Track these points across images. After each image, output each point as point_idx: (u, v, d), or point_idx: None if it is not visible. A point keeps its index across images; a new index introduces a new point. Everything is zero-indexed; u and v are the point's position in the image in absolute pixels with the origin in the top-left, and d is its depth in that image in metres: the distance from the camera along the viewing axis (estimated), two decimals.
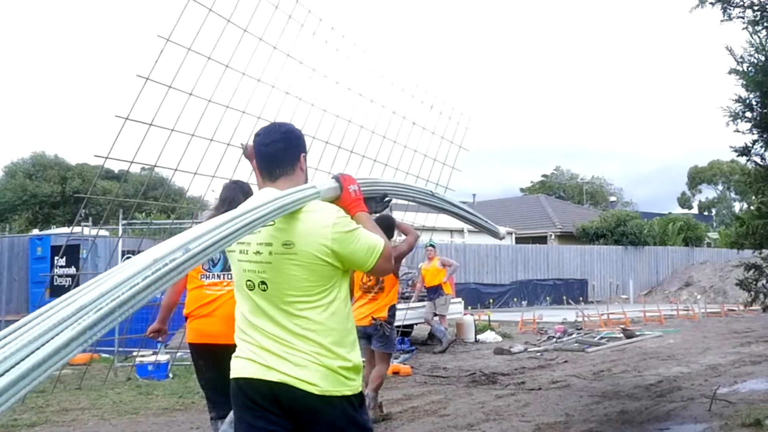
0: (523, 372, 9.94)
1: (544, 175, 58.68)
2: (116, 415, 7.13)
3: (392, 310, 6.68)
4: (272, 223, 2.45)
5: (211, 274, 4.42)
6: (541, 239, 32.81)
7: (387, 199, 3.05)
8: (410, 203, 4.14)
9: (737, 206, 59.44)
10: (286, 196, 2.42)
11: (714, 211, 60.09)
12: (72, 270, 12.04)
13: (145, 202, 22.34)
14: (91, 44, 79.29)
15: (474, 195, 42.47)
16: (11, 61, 65.20)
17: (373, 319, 6.52)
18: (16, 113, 65.25)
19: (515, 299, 24.77)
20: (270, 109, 7.41)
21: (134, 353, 10.45)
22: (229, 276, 4.30)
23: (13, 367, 1.49)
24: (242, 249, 2.54)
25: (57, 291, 12.40)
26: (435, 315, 12.69)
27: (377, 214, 3.24)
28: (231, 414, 4.44)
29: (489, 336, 13.90)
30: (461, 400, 7.87)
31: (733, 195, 59.98)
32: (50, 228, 19.97)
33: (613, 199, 52.58)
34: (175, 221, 14.11)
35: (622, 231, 30.52)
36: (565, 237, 32.83)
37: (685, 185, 62.35)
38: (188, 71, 6.71)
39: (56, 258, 12.25)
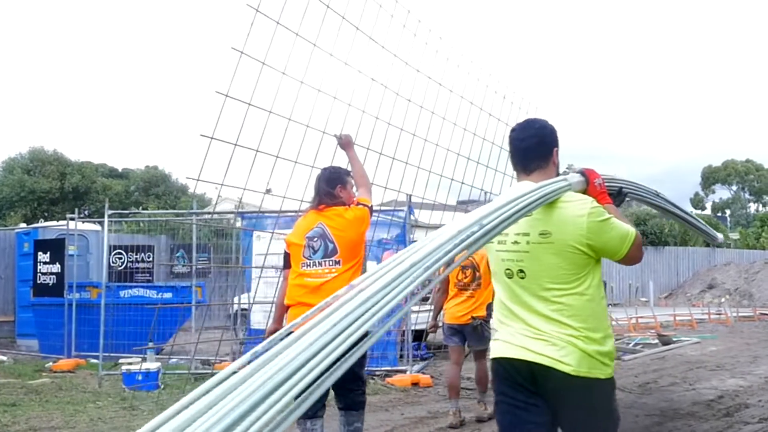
0: None
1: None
2: None
3: (489, 307, 6.42)
4: (530, 213, 2.48)
5: (312, 262, 4.31)
6: None
7: (624, 193, 3.11)
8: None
9: (752, 207, 58.18)
10: (545, 186, 2.47)
11: (729, 212, 58.68)
12: (56, 267, 10.90)
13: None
14: (89, 38, 78.48)
15: (487, 193, 41.11)
16: (9, 55, 64.38)
17: (472, 317, 6.46)
18: (14, 107, 64.31)
19: None
20: (359, 96, 7.05)
21: (122, 360, 9.39)
22: (331, 263, 4.26)
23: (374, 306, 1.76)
24: (500, 239, 2.62)
25: (41, 290, 11.26)
26: None
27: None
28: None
29: None
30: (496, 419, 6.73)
31: (747, 195, 58.64)
32: (38, 222, 18.88)
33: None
34: (179, 214, 13.06)
35: (642, 230, 29.23)
36: None
37: (698, 186, 60.96)
38: (276, 52, 6.07)
39: (39, 254, 11.10)
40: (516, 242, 2.58)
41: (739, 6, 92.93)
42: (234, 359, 10.07)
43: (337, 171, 4.59)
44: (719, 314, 18.84)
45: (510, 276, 2.61)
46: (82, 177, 33.26)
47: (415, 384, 8.66)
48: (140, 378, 8.37)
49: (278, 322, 4.62)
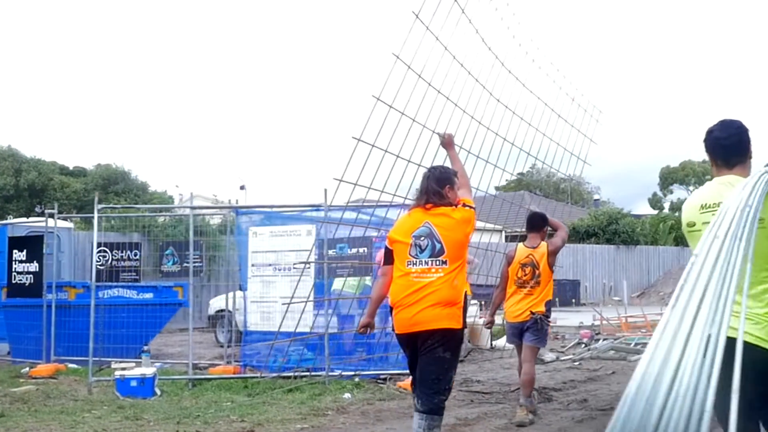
0: (575, 386, 8.50)
1: (520, 173, 57.48)
2: None
3: (549, 304, 6.62)
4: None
5: (418, 260, 4.28)
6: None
7: None
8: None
9: None
10: (762, 176, 2.58)
11: None
12: (34, 266, 10.19)
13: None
14: (44, 32, 76.20)
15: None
16: None
17: (532, 313, 6.43)
18: None
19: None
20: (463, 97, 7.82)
21: (112, 364, 8.75)
22: (438, 263, 4.23)
23: None
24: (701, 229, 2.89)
25: (15, 291, 10.52)
26: None
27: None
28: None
29: (503, 341, 12.40)
30: (533, 426, 6.34)
31: None
32: (6, 218, 17.85)
33: (597, 197, 51.74)
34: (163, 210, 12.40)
35: (614, 229, 29.30)
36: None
37: (657, 186, 61.87)
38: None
39: (15, 251, 10.34)
40: None
41: (691, 8, 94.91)
42: (229, 363, 9.51)
43: (447, 171, 4.59)
44: None
45: None
46: (38, 174, 32.14)
47: None
48: (135, 384, 7.77)
49: (371, 317, 4.67)
